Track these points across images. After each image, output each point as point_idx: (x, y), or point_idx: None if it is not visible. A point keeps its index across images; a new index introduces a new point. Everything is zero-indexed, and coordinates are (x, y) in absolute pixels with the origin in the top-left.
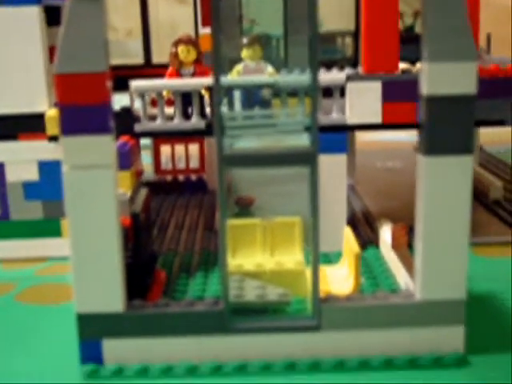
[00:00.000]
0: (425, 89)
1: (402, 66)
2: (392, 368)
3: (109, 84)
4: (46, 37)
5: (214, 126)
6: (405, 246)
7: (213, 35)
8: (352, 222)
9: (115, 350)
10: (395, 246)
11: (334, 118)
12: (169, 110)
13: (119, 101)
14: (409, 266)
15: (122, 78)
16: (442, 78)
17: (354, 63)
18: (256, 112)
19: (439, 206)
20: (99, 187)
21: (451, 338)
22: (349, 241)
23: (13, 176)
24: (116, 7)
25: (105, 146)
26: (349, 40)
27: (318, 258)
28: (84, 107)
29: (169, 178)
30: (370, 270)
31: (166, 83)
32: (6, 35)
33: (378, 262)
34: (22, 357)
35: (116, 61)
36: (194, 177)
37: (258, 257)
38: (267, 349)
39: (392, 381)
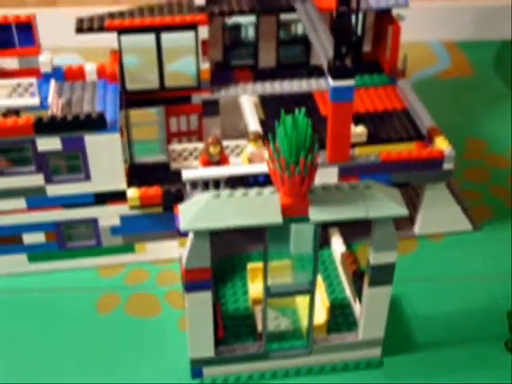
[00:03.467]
0: (371, 259)
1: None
2: (347, 369)
3: (210, 270)
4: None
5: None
6: (350, 273)
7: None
8: None
9: (210, 371)
10: (343, 269)
11: None
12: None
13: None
14: (353, 292)
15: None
16: (378, 255)
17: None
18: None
19: (373, 304)
20: (204, 306)
21: (374, 353)
22: (321, 290)
23: (103, 224)
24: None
25: (207, 296)
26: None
27: (312, 331)
28: (198, 281)
29: None
30: (328, 275)
31: (210, 173)
32: (101, 147)
33: (331, 266)
34: (145, 369)
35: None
36: None
37: None
38: (285, 363)
39: (347, 376)
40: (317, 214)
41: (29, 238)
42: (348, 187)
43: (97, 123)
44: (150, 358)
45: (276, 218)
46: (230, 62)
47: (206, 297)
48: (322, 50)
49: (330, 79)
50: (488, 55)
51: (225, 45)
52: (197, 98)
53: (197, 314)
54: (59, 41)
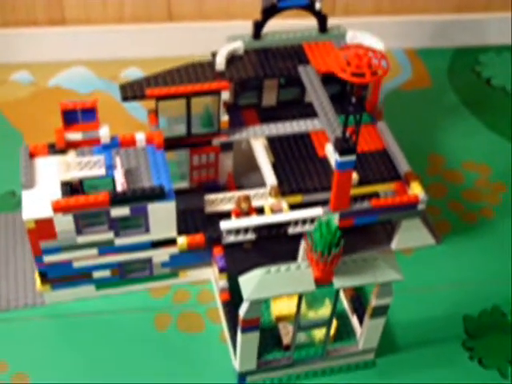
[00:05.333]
0: (373, 302)
1: None
2: (350, 369)
3: (259, 318)
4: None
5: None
6: (348, 295)
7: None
8: None
9: (252, 378)
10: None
11: None
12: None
13: None
14: (352, 309)
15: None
16: (379, 300)
17: None
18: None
19: (372, 329)
20: (253, 340)
21: (370, 357)
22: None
23: (156, 260)
24: None
25: (256, 334)
26: None
27: (328, 345)
28: (250, 326)
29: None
30: None
31: (242, 223)
32: (160, 211)
33: None
34: (197, 377)
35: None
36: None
37: (285, 304)
38: (305, 367)
39: (350, 374)
40: (339, 282)
41: (97, 274)
42: (361, 260)
43: (158, 195)
44: (201, 368)
45: (310, 286)
46: (239, 102)
47: (254, 334)
48: (329, 126)
49: (336, 155)
50: (443, 63)
51: (235, 90)
52: (216, 141)
53: (247, 345)
54: (68, 55)
